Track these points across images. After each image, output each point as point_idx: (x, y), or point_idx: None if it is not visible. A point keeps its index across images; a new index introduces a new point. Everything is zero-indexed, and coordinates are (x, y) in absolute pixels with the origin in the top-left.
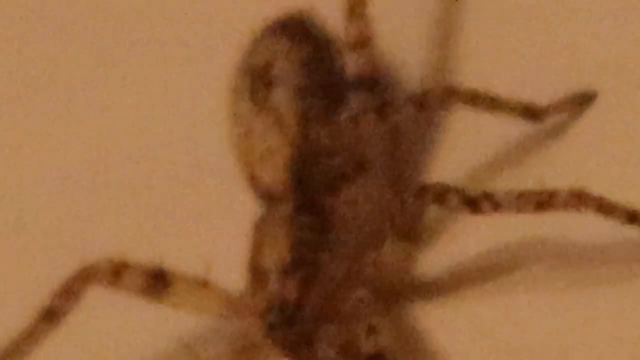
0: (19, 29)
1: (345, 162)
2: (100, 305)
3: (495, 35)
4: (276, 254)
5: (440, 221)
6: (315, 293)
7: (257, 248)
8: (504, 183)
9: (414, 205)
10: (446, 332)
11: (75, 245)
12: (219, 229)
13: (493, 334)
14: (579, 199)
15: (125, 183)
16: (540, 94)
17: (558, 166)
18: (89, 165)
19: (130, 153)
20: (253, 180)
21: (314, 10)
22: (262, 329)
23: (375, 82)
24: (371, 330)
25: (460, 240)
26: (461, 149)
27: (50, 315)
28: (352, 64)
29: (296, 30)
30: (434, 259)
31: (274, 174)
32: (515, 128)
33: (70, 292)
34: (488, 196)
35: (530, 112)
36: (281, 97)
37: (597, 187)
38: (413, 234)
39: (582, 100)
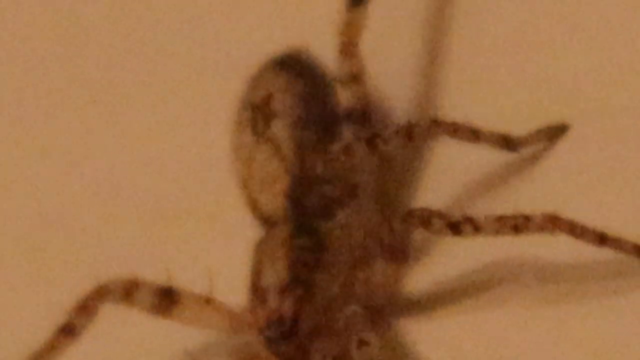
0: (26, 47)
1: (339, 188)
2: (114, 320)
3: (476, 72)
4: (275, 273)
5: (425, 243)
6: (311, 309)
7: (257, 268)
8: (484, 208)
9: (402, 229)
10: (430, 345)
11: (89, 264)
12: (222, 250)
13: (474, 348)
14: (552, 222)
15: (136, 205)
16: (517, 126)
17: (533, 192)
18: (101, 189)
19: (140, 178)
20: (254, 205)
21: (310, 48)
22: (262, 343)
23: (366, 115)
24: (362, 343)
25: (444, 261)
26: (444, 176)
27: (68, 330)
28: (344, 98)
29: (294, 66)
30: (419, 278)
31: (273, 199)
32: (493, 157)
33: (86, 308)
34: (469, 220)
35: (508, 143)
36: (279, 128)
37: (569, 211)
38: (400, 255)
39: (555, 132)
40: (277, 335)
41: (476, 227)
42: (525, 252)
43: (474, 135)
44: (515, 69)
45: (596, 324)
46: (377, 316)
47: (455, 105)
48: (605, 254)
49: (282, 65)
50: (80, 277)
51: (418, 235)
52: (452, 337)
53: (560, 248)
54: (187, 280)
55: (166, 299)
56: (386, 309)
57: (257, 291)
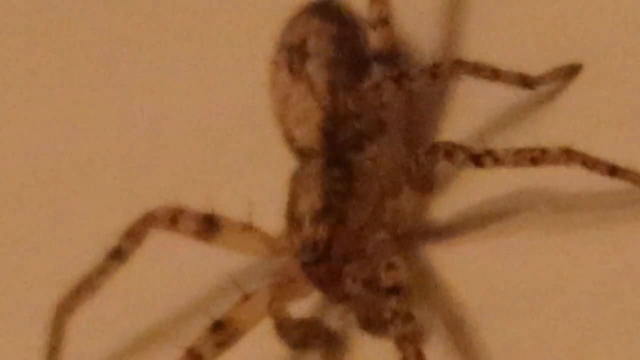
0: (37, 23)
1: (368, 123)
2: (162, 245)
3: (495, 16)
4: (309, 202)
5: (449, 174)
6: (343, 235)
7: (293, 197)
8: (503, 141)
9: (427, 161)
10: (453, 269)
11: (139, 194)
12: (262, 181)
13: (493, 271)
14: (567, 155)
15: (183, 140)
16: (534, 66)
17: (549, 127)
18: (152, 128)
19: (188, 116)
20: (290, 139)
21: None
22: (297, 267)
23: (394, 56)
24: (390, 266)
25: (466, 191)
26: (467, 112)
27: (119, 254)
28: (373, 40)
29: (327, 11)
30: (443, 207)
31: (308, 133)
32: (512, 94)
33: (134, 234)
34: (489, 153)
35: (525, 81)
36: (314, 68)
37: (582, 145)
38: (426, 185)
39: (570, 71)
40: (311, 260)
41: (496, 159)
42: (541, 183)
43: (494, 74)
44: (532, 13)
45: (606, 249)
46: (404, 242)
47: (476, 47)
48: (616, 184)
49: (317, 10)
50: (130, 206)
51: (442, 167)
52: (472, 262)
53: (573, 179)
54: (228, 208)
55: (209, 226)
56: (412, 236)
57: (293, 219)
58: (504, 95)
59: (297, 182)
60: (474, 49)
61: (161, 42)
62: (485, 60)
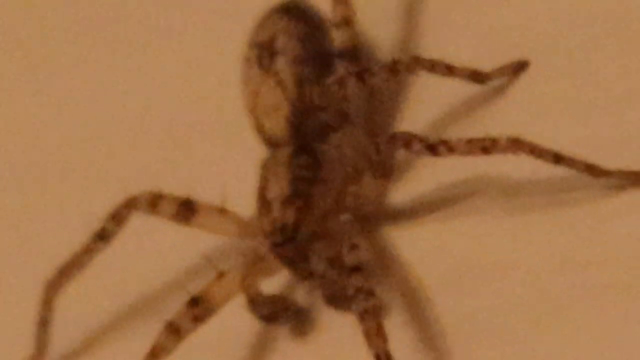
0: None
1: (333, 115)
2: (143, 228)
3: (450, 17)
4: (278, 188)
5: (407, 162)
6: (309, 218)
7: (263, 183)
8: (457, 132)
9: (386, 149)
10: (410, 249)
11: (121, 180)
12: (234, 168)
13: (447, 250)
14: (515, 144)
15: (162, 130)
16: (485, 62)
17: (498, 118)
18: (134, 119)
19: (167, 108)
20: (260, 130)
21: None
22: (267, 247)
23: (356, 53)
24: (353, 247)
25: (423, 177)
26: (423, 105)
27: (103, 235)
28: (337, 38)
29: (294, 11)
30: (401, 192)
31: (277, 124)
32: (465, 89)
33: (118, 217)
34: (444, 142)
35: (477, 77)
36: (282, 64)
37: (529, 135)
38: (385, 172)
39: (517, 68)
40: (280, 240)
41: (450, 148)
42: (491, 170)
43: (448, 70)
44: (483, 15)
45: (550, 230)
46: (365, 224)
47: (432, 45)
48: (559, 171)
49: (285, 11)
50: (113, 191)
51: (400, 155)
52: (428, 242)
53: (521, 166)
54: (204, 194)
55: (186, 209)
56: (373, 218)
57: (263, 202)
58: (457, 90)
59: (267, 169)
60: (430, 47)
61: (144, 40)
62: (440, 58)
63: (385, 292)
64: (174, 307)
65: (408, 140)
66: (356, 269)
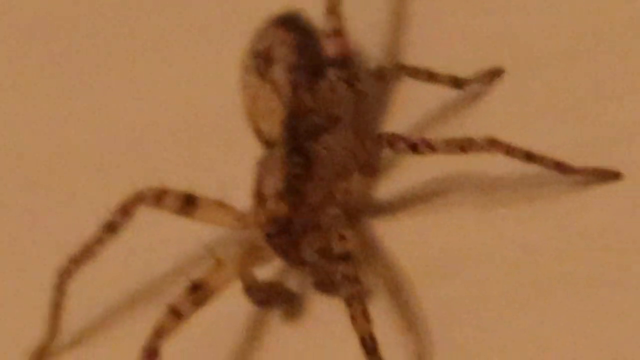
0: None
1: (324, 118)
2: (149, 220)
3: (432, 28)
4: (273, 183)
5: (391, 160)
6: (301, 211)
7: (260, 179)
8: (438, 133)
9: (373, 149)
10: (394, 240)
11: (130, 177)
12: (233, 166)
13: (428, 242)
14: (491, 144)
15: (168, 131)
16: (463, 69)
17: (476, 120)
18: (144, 126)
19: (174, 111)
20: (258, 132)
21: (303, 9)
22: (262, 237)
23: (346, 60)
24: (341, 237)
25: (406, 174)
26: (407, 108)
27: (112, 227)
28: (329, 47)
29: (290, 23)
30: (386, 187)
31: (273, 127)
32: (445, 93)
33: (126, 210)
34: (426, 142)
35: (456, 82)
36: (278, 72)
37: (504, 136)
38: (372, 170)
39: (493, 74)
40: (274, 231)
41: (431, 148)
42: (469, 168)
43: (429, 76)
44: (462, 25)
45: (523, 223)
46: (353, 217)
47: (415, 53)
48: (532, 168)
49: (281, 22)
50: (121, 186)
51: (386, 153)
52: (410, 234)
53: (496, 164)
54: (205, 189)
55: (189, 203)
56: (360, 212)
57: (259, 197)
58: (438, 94)
59: (263, 166)
60: (413, 55)
61: (150, 45)
62: (423, 65)
63: (370, 279)
64: (176, 292)
65: (393, 140)
66: (344, 257)
